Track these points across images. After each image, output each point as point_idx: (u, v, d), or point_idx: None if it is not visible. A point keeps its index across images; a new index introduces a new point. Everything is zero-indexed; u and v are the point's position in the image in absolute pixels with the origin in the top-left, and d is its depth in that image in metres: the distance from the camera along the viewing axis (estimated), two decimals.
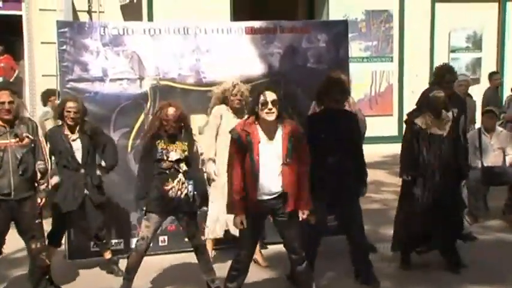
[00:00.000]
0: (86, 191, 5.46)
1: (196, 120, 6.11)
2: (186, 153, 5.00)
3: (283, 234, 4.77)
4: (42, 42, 9.84)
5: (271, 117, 4.52)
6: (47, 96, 8.24)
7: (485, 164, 7.25)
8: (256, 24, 6.46)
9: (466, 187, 6.54)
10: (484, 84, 11.31)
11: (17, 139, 4.85)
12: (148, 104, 6.10)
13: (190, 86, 6.21)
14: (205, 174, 5.68)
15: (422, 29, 12.07)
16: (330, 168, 5.07)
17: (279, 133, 4.59)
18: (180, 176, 4.96)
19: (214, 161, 5.72)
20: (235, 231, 5.39)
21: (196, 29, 6.25)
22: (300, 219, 4.67)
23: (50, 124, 7.06)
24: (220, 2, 10.99)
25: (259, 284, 5.39)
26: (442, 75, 6.15)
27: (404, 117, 5.81)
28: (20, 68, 10.78)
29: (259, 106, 4.54)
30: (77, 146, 5.47)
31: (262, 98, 4.53)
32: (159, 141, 4.97)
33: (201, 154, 5.75)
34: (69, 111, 5.42)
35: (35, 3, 10.10)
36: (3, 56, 11.11)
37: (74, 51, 5.94)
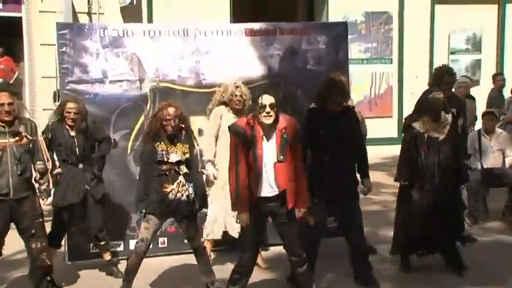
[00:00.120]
0: (86, 186, 5.47)
1: (196, 122, 6.10)
2: (187, 155, 4.99)
3: (283, 236, 4.77)
4: (42, 44, 9.83)
5: (269, 121, 4.55)
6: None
7: (484, 166, 7.25)
8: (256, 26, 6.46)
9: (465, 189, 6.55)
10: (484, 85, 11.33)
11: (16, 138, 4.84)
12: (148, 105, 6.10)
13: (190, 87, 6.21)
14: (204, 176, 5.68)
15: (422, 30, 12.08)
16: (328, 166, 5.06)
17: (274, 131, 4.62)
18: (181, 178, 4.95)
19: (213, 162, 5.72)
20: (234, 233, 5.40)
21: (196, 31, 6.26)
22: (296, 217, 4.67)
23: None
24: (220, 2, 11.00)
25: (259, 286, 5.38)
26: (441, 77, 6.14)
27: (403, 120, 5.80)
28: (20, 70, 10.78)
29: (258, 109, 4.56)
30: (76, 142, 5.48)
31: (260, 101, 4.56)
32: (158, 143, 4.96)
33: (202, 156, 5.75)
34: (69, 112, 5.43)
35: (35, 5, 10.09)
36: (3, 57, 11.09)
37: (74, 53, 5.94)
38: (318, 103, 5.40)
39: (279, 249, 5.78)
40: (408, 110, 10.05)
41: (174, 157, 4.94)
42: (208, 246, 5.74)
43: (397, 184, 5.73)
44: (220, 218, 5.66)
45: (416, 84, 10.99)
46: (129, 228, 6.13)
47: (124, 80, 6.08)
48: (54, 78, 7.08)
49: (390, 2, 11.99)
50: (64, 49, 5.92)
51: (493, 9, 12.41)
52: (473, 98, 8.94)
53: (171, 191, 4.91)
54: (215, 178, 5.67)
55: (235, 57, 6.27)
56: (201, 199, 5.14)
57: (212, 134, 5.76)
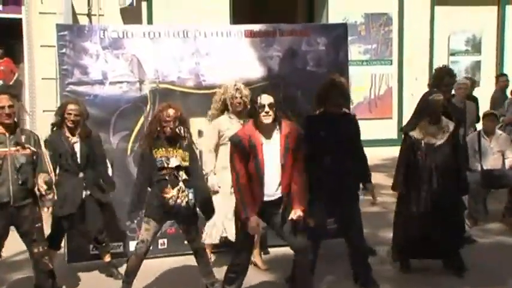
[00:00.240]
0: (84, 193, 5.46)
1: (195, 123, 6.11)
2: (186, 163, 4.96)
3: (281, 231, 4.71)
4: (42, 46, 9.82)
5: (268, 120, 4.56)
6: None
7: (484, 167, 7.24)
8: (256, 27, 6.46)
9: None
10: (484, 87, 11.32)
11: (17, 147, 4.81)
12: (148, 107, 6.10)
13: (189, 89, 6.21)
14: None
15: (421, 32, 12.07)
16: (328, 168, 5.06)
17: (277, 135, 4.62)
18: (180, 184, 4.92)
19: (215, 173, 5.71)
20: (232, 238, 5.39)
21: (195, 32, 6.26)
22: (290, 218, 4.62)
23: None
24: (219, 3, 10.99)
25: (258, 287, 5.38)
26: (441, 78, 6.14)
27: (404, 123, 5.80)
28: (20, 71, 10.77)
29: (257, 109, 4.57)
30: (76, 149, 5.47)
31: (259, 101, 4.57)
32: (157, 149, 4.92)
33: (201, 156, 5.75)
34: (69, 114, 5.43)
35: (35, 7, 10.08)
36: (3, 59, 11.10)
37: (74, 54, 5.95)
38: (318, 105, 5.40)
39: (278, 250, 5.81)
40: (408, 111, 10.07)
41: (173, 162, 4.92)
42: (207, 248, 5.73)
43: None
44: (219, 223, 5.66)
45: (416, 86, 11.02)
46: (129, 229, 6.12)
47: (124, 81, 6.08)
48: (54, 79, 7.06)
49: (390, 3, 11.98)
50: (64, 50, 5.92)
51: (492, 11, 12.40)
52: (475, 99, 8.96)
53: (171, 197, 4.89)
54: (219, 187, 5.66)
55: (235, 58, 6.27)
56: (204, 206, 5.11)
57: (211, 149, 5.76)
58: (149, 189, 5.04)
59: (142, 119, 6.08)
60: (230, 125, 5.67)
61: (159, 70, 6.15)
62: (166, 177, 4.91)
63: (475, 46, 12.43)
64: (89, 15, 10.26)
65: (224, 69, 6.19)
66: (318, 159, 4.96)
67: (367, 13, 11.90)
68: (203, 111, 6.04)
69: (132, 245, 5.76)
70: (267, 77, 6.35)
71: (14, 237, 5.05)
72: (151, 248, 5.19)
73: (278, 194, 4.64)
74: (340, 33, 6.67)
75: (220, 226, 5.67)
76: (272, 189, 4.62)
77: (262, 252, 6.02)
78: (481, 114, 8.26)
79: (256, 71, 6.35)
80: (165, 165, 4.89)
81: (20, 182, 4.78)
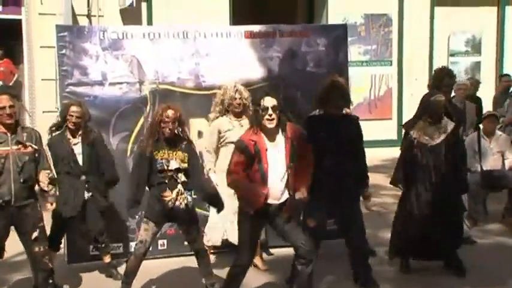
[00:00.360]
0: (87, 195, 5.46)
1: (195, 124, 6.13)
2: (186, 165, 4.95)
3: (284, 231, 4.69)
4: (41, 46, 9.81)
5: (271, 125, 4.55)
6: None
7: (484, 168, 7.24)
8: (256, 28, 6.45)
9: None
10: (483, 87, 11.27)
11: (19, 146, 4.81)
12: (148, 107, 6.09)
13: (189, 89, 6.21)
14: None
15: (421, 32, 12.07)
16: (329, 170, 5.05)
17: (281, 138, 4.61)
18: (179, 186, 4.91)
19: (214, 171, 5.71)
20: (233, 239, 5.38)
21: (195, 33, 6.26)
22: (297, 197, 4.61)
23: None
24: (219, 3, 10.99)
25: None
26: (441, 79, 6.14)
27: (403, 125, 5.81)
28: (20, 72, 10.77)
29: (260, 111, 4.55)
30: (79, 151, 5.48)
31: (262, 103, 4.55)
32: (157, 151, 4.90)
33: (201, 157, 5.75)
34: (71, 115, 5.43)
35: (35, 8, 10.07)
36: (2, 60, 11.11)
37: (74, 55, 5.95)
38: (318, 107, 5.39)
39: (279, 251, 5.81)
40: (408, 111, 10.10)
41: (173, 164, 4.91)
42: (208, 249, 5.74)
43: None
44: (220, 225, 5.65)
45: (416, 86, 11.01)
46: (129, 230, 6.12)
47: (124, 82, 6.07)
48: (53, 80, 7.06)
49: (390, 4, 11.99)
50: (64, 51, 5.92)
51: (492, 11, 12.40)
52: (479, 100, 8.96)
53: (170, 200, 4.89)
54: (217, 185, 5.65)
55: (235, 59, 6.26)
56: (212, 201, 5.09)
57: (210, 149, 5.77)
58: (147, 188, 5.04)
59: (142, 120, 6.08)
60: (230, 126, 5.67)
61: (158, 71, 6.15)
62: (166, 180, 4.90)
63: (475, 47, 12.43)
64: (88, 16, 10.26)
65: (224, 70, 6.18)
66: (318, 160, 4.95)
67: (367, 14, 11.90)
68: (203, 112, 6.04)
69: (132, 246, 5.76)
70: (267, 77, 6.35)
71: (15, 239, 5.04)
72: (151, 248, 5.19)
73: (283, 198, 4.63)
74: (339, 34, 6.67)
75: (221, 229, 5.66)
76: (277, 193, 4.60)
77: (262, 253, 6.01)
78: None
79: (256, 72, 6.35)
80: (165, 167, 4.88)
81: (21, 181, 4.77)
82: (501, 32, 12.40)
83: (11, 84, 9.05)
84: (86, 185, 5.47)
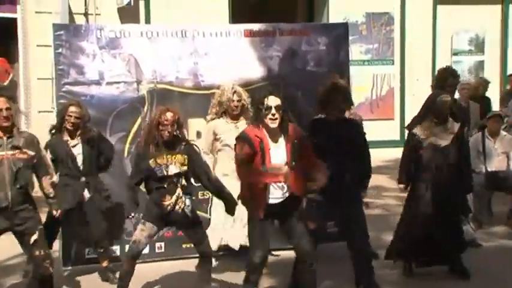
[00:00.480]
0: (86, 195, 5.41)
1: (194, 124, 6.07)
2: (185, 167, 4.87)
3: (292, 233, 4.65)
4: (37, 45, 9.74)
5: (274, 125, 4.50)
6: None
7: (489, 169, 7.17)
8: (255, 27, 6.39)
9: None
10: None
11: (15, 151, 4.71)
12: (146, 107, 6.02)
13: (188, 89, 6.14)
14: None
15: (423, 31, 11.99)
16: (329, 171, 4.97)
17: (282, 139, 4.57)
18: (178, 190, 4.84)
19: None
20: (233, 244, 5.31)
21: (194, 32, 6.19)
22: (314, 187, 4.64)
23: None
24: (219, 2, 10.92)
25: None
26: (445, 79, 6.07)
27: (407, 123, 5.74)
28: (15, 71, 10.65)
29: (263, 111, 4.48)
30: (78, 151, 5.43)
31: (265, 102, 4.48)
32: (154, 158, 4.82)
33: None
34: (70, 116, 5.38)
35: (31, 6, 9.99)
36: None
37: (70, 54, 5.88)
38: (319, 109, 5.31)
39: (279, 253, 5.72)
40: (410, 111, 10.01)
41: (173, 169, 4.83)
42: None
43: (400, 187, 5.70)
44: (218, 231, 5.60)
45: (418, 86, 10.94)
46: (126, 233, 6.03)
47: (121, 81, 6.01)
48: (50, 79, 7.00)
49: (391, 2, 11.91)
50: (60, 50, 5.86)
51: (496, 10, 12.33)
52: (487, 100, 8.90)
53: (169, 204, 4.81)
54: None
55: (234, 58, 6.20)
56: (229, 202, 4.99)
57: (207, 150, 5.76)
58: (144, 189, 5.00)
59: (139, 120, 6.01)
60: (227, 128, 5.60)
61: (156, 70, 6.08)
62: (165, 185, 4.83)
63: (478, 46, 12.35)
64: (85, 14, 10.20)
65: (223, 69, 6.12)
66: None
67: (369, 12, 11.82)
68: (202, 112, 5.99)
69: None
70: (267, 77, 6.28)
71: (11, 241, 4.96)
72: (148, 251, 5.12)
73: (284, 196, 4.57)
74: (340, 33, 6.61)
75: (219, 235, 5.60)
76: (278, 193, 4.55)
77: None
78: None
79: (255, 71, 6.28)
80: (165, 173, 4.82)
81: (18, 186, 4.70)
82: (505, 31, 12.31)
83: (5, 83, 8.93)
84: (86, 187, 5.42)
